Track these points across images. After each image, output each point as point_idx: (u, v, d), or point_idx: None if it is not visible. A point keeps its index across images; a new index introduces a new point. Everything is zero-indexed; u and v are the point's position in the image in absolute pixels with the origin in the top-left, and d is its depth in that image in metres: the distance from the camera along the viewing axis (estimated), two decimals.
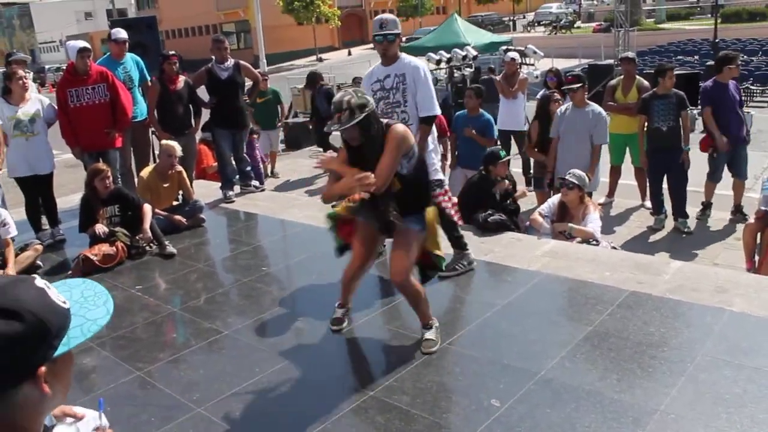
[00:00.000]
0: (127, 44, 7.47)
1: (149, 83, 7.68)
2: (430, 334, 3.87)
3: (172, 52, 7.60)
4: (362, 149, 3.63)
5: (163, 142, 6.85)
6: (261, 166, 10.25)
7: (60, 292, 1.18)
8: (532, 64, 19.85)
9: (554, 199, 6.20)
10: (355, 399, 3.39)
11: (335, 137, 11.67)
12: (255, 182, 8.15)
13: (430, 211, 3.85)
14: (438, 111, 4.99)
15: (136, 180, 7.19)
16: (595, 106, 7.27)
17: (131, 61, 7.52)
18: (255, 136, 10.16)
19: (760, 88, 16.61)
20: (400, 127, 3.64)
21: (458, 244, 5.04)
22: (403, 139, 3.61)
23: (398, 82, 4.84)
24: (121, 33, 7.43)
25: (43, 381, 1.11)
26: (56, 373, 1.14)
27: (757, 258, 6.00)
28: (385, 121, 3.73)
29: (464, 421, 3.14)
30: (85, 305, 1.20)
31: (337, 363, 3.81)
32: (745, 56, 19.24)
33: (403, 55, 5.00)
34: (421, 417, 3.21)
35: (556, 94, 8.02)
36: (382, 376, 3.60)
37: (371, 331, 4.24)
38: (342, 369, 3.74)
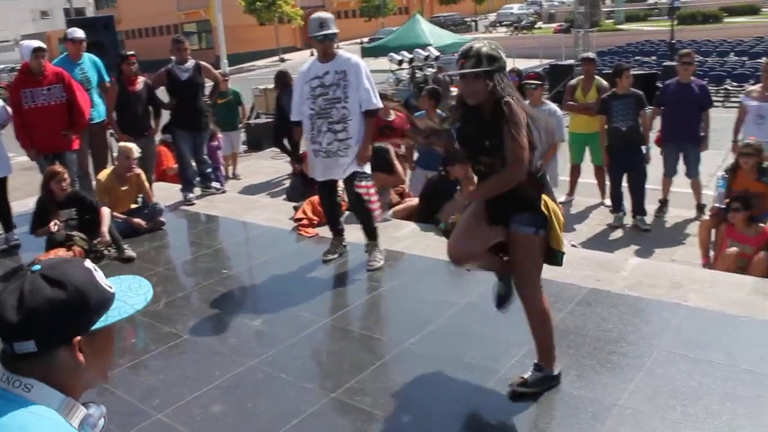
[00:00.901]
0: (84, 44, 7.32)
1: (108, 84, 7.54)
2: (533, 377, 3.28)
3: (131, 53, 7.48)
4: (471, 120, 3.07)
5: (121, 144, 6.74)
6: (222, 168, 10.18)
7: (112, 283, 1.35)
8: None
9: None
10: (317, 401, 3.37)
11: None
12: (216, 184, 8.07)
13: (548, 203, 3.16)
14: (380, 104, 5.14)
15: (94, 183, 7.06)
16: (551, 105, 7.36)
17: (89, 61, 7.38)
18: (219, 137, 10.08)
19: (715, 87, 16.96)
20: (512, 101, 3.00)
21: (373, 235, 5.26)
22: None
23: (339, 78, 4.92)
24: (78, 32, 7.29)
25: (78, 350, 1.26)
26: (94, 348, 1.29)
27: (712, 254, 6.14)
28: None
29: (426, 422, 3.15)
30: (128, 293, 1.35)
31: (299, 365, 3.78)
32: (700, 57, 19.65)
33: (341, 52, 5.11)
34: (382, 418, 3.20)
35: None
36: (343, 377, 3.59)
37: (332, 333, 4.22)
38: (303, 371, 3.71)
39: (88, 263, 1.33)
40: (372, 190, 5.15)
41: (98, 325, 1.28)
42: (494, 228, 3.19)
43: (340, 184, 5.39)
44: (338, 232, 5.52)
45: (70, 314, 1.25)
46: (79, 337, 1.26)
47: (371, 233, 5.26)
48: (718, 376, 3.32)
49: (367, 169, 5.17)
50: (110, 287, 1.32)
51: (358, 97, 4.94)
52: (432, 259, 5.26)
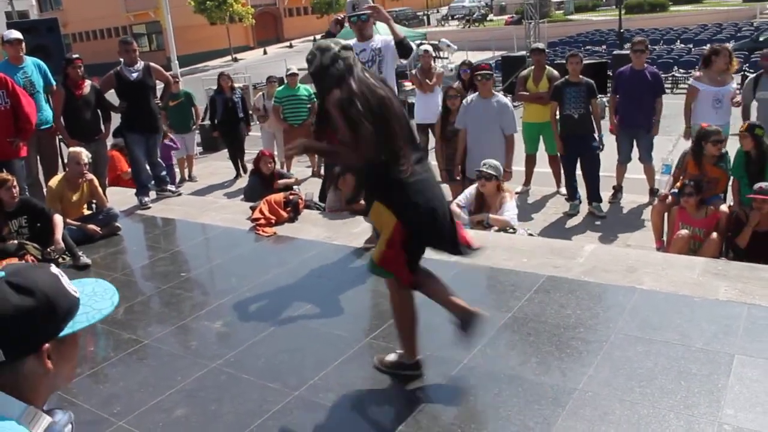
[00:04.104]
0: (23, 45, 7.09)
1: (55, 88, 7.37)
2: (391, 356, 3.52)
3: (76, 56, 7.32)
4: None
5: (71, 149, 6.60)
6: (176, 167, 10.13)
7: (76, 287, 1.31)
8: (446, 58, 20.14)
9: (471, 189, 6.30)
10: (280, 400, 3.36)
11: (254, 140, 11.55)
12: (171, 187, 7.96)
13: (375, 211, 3.21)
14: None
15: (45, 190, 6.90)
16: (501, 97, 7.42)
17: (32, 65, 7.17)
18: (171, 136, 10.03)
19: (663, 75, 17.31)
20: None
21: None
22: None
23: (374, 55, 5.09)
24: (14, 33, 7.05)
25: (47, 357, 1.24)
26: (61, 354, 1.27)
27: (665, 237, 6.29)
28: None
29: (390, 414, 3.17)
30: (94, 298, 1.32)
31: (261, 365, 3.76)
32: (648, 45, 20.07)
33: (377, 35, 5.23)
34: (347, 414, 3.21)
35: (451, 89, 8.08)
36: (306, 375, 3.58)
37: (294, 331, 4.20)
38: (266, 371, 3.70)
39: (54, 269, 1.30)
40: None
41: (66, 331, 1.25)
42: None
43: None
44: None
45: (39, 322, 1.22)
46: (47, 345, 1.24)
47: None
48: (672, 355, 3.40)
49: None
50: (76, 292, 1.29)
51: (392, 74, 5.12)
52: None
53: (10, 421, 1.19)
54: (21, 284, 1.22)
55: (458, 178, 7.35)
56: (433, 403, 3.22)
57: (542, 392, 3.21)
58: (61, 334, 1.25)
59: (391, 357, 3.50)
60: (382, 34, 5.25)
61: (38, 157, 7.29)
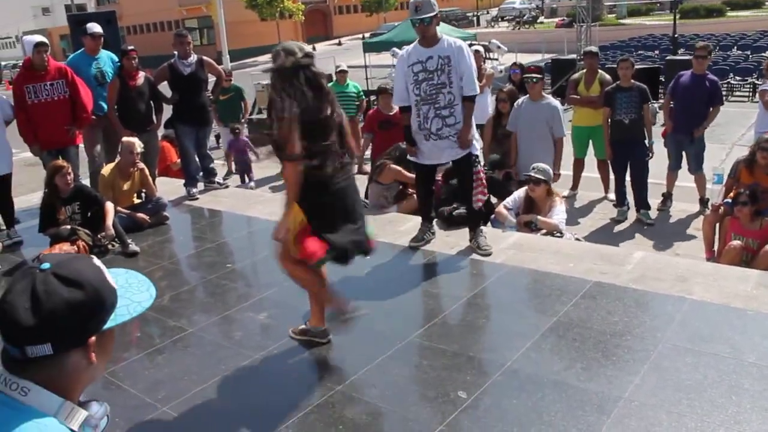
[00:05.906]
0: (102, 39, 7.30)
1: None
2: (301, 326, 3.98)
3: (131, 47, 7.46)
4: None
5: (124, 138, 6.74)
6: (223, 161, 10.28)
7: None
8: (496, 59, 20.01)
9: (520, 192, 6.23)
10: (323, 394, 3.38)
11: None
12: (219, 179, 8.06)
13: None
14: (478, 90, 5.16)
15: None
16: (551, 99, 7.33)
17: (106, 57, 7.35)
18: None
19: (719, 81, 16.89)
20: None
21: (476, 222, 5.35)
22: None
23: (443, 64, 4.90)
24: (97, 27, 7.27)
25: (92, 350, 1.23)
26: (102, 346, 1.26)
27: (716, 247, 6.13)
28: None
29: (432, 414, 3.15)
30: (130, 290, 1.30)
31: (304, 359, 3.79)
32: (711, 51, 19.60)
33: (444, 36, 5.03)
34: (388, 411, 3.21)
35: (501, 93, 7.98)
36: (349, 370, 3.60)
37: (337, 326, 4.21)
38: (309, 365, 3.72)
39: (96, 260, 1.28)
40: (482, 175, 5.20)
41: (109, 324, 1.24)
42: None
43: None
44: (429, 219, 5.52)
45: (89, 315, 1.20)
46: (93, 338, 1.22)
47: (474, 220, 5.30)
48: (723, 369, 3.32)
49: (477, 151, 5.21)
50: (114, 284, 1.27)
51: (458, 82, 4.95)
52: (437, 253, 5.27)
53: (50, 418, 1.17)
54: (69, 277, 1.19)
55: (515, 179, 7.23)
56: (475, 404, 3.20)
57: (586, 399, 3.16)
58: (105, 327, 1.24)
59: (302, 326, 3.93)
60: (446, 35, 5.07)
61: (106, 142, 7.43)
